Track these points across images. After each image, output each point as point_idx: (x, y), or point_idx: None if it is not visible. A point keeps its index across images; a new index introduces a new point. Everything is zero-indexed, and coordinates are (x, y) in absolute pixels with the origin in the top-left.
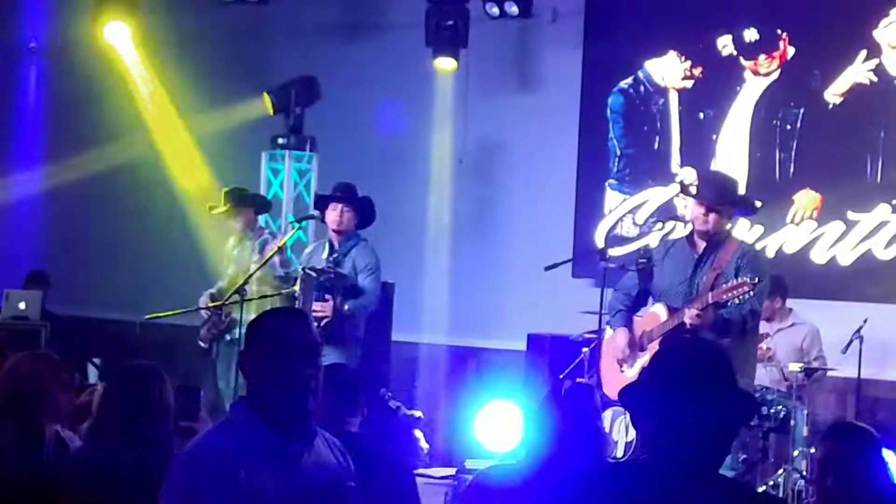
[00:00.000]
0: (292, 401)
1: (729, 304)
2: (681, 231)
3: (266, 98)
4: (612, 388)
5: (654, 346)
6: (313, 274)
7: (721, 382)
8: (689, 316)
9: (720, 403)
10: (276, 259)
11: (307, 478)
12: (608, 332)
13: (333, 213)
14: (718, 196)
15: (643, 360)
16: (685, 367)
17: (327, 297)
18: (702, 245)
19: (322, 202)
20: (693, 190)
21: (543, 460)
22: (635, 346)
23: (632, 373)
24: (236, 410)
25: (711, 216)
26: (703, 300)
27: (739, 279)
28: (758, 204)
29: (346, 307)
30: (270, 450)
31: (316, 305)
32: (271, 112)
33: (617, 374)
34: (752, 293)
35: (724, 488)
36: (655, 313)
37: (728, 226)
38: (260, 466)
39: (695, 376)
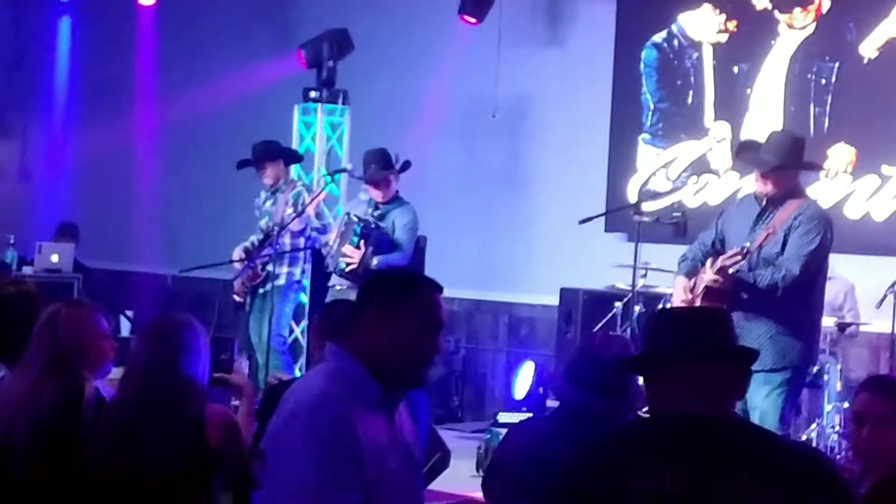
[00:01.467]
0: (422, 366)
1: (767, 261)
2: (714, 185)
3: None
4: None
5: (698, 300)
6: (355, 219)
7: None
8: (708, 277)
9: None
10: (311, 211)
11: (401, 429)
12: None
13: (374, 192)
14: (775, 160)
15: None
16: (674, 338)
17: (361, 244)
18: (764, 202)
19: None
20: (752, 153)
21: (575, 414)
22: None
23: None
24: (339, 359)
25: (769, 182)
26: (717, 264)
27: (735, 248)
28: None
29: (375, 261)
30: (375, 401)
31: (347, 248)
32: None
33: None
34: (744, 262)
35: (742, 435)
36: (706, 267)
37: (791, 185)
38: (371, 417)
39: (684, 344)
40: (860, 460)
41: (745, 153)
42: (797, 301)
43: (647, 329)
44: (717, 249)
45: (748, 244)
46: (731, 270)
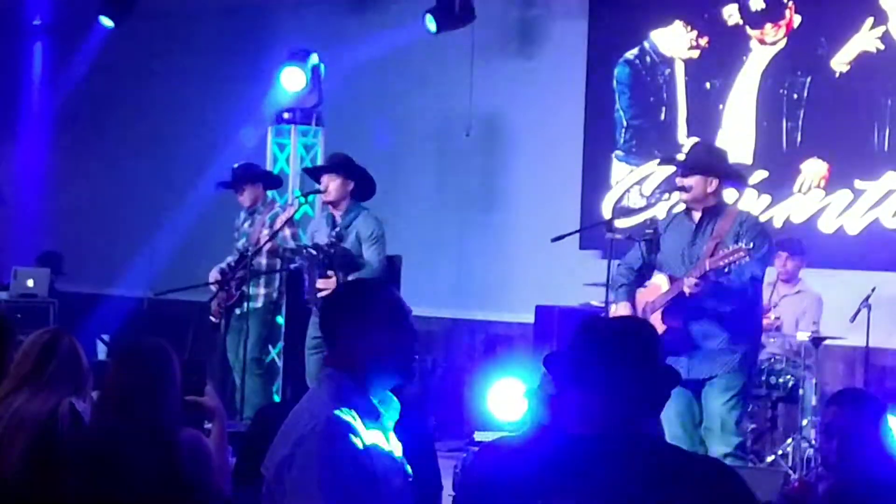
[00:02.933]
0: (410, 357)
1: (728, 271)
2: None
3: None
4: None
5: (657, 317)
6: (314, 252)
7: (637, 357)
8: (688, 285)
9: (636, 379)
10: (288, 232)
11: (395, 447)
12: (612, 307)
13: (322, 186)
14: (694, 162)
15: None
16: (602, 343)
17: (329, 273)
18: (697, 215)
19: (311, 176)
20: (673, 158)
21: (545, 432)
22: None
23: None
24: (336, 381)
25: (689, 179)
26: (700, 268)
27: (738, 244)
28: (763, 173)
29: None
30: (377, 419)
31: (320, 282)
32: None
33: None
34: (747, 258)
35: (654, 453)
36: (657, 284)
37: (710, 190)
38: (374, 436)
39: (611, 351)
40: (831, 473)
41: (667, 164)
42: (747, 309)
43: (572, 340)
44: (642, 273)
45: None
46: (731, 268)
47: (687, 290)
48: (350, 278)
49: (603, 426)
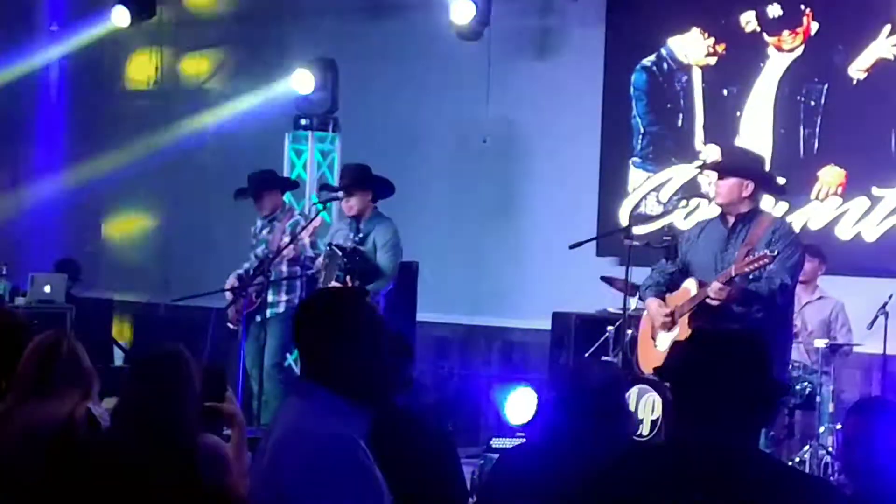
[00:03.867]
0: (390, 369)
1: (755, 277)
2: (705, 208)
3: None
4: (645, 362)
5: (684, 321)
6: (338, 252)
7: (747, 369)
8: (714, 290)
9: (746, 390)
10: (308, 240)
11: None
12: (638, 305)
13: (344, 205)
14: (731, 164)
15: (673, 334)
16: (709, 355)
17: (347, 278)
18: (731, 221)
19: (329, 195)
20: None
21: (566, 440)
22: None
23: (662, 347)
24: (320, 397)
25: (722, 184)
26: (726, 273)
27: (763, 250)
28: (780, 181)
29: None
30: (365, 432)
31: (333, 284)
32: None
33: (649, 349)
34: (773, 265)
35: (756, 467)
36: (687, 288)
37: (744, 194)
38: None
39: (718, 364)
40: (852, 481)
41: (706, 170)
42: (777, 317)
43: (682, 347)
44: (675, 277)
45: (767, 251)
46: (751, 275)
47: (713, 295)
48: (368, 287)
49: (716, 436)
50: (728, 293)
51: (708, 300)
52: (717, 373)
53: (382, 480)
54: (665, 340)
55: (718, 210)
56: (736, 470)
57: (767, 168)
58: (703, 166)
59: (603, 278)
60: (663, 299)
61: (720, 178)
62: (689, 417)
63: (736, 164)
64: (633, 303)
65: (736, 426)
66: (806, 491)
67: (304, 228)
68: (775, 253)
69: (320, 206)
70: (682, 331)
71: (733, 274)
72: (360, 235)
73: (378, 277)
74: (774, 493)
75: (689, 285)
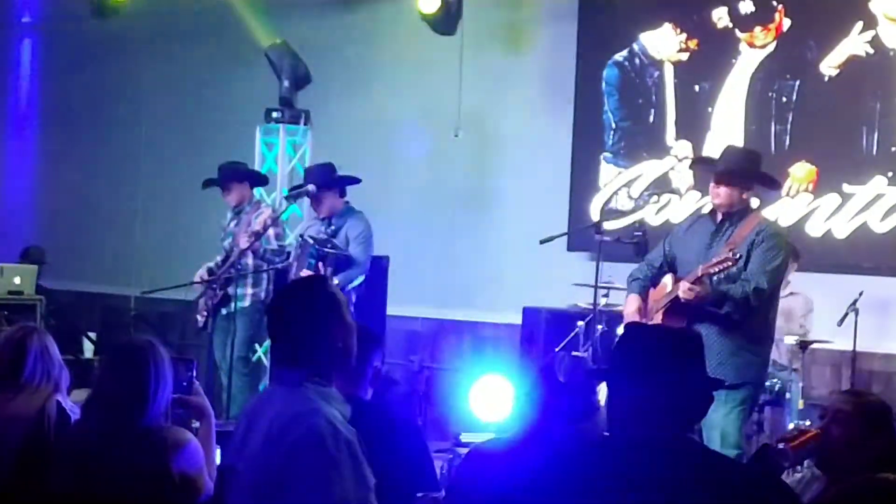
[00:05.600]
0: (353, 352)
1: (731, 277)
2: (676, 204)
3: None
4: None
5: (657, 317)
6: (310, 241)
7: (680, 365)
8: (682, 289)
9: (676, 387)
10: (272, 232)
11: None
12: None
13: (315, 207)
14: (730, 169)
15: None
16: (641, 353)
17: (319, 265)
18: (720, 218)
19: (299, 190)
20: (708, 160)
21: (535, 435)
22: (644, 314)
23: None
24: (305, 382)
25: (722, 189)
26: (694, 273)
27: (728, 252)
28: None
29: (335, 281)
30: (346, 415)
31: (305, 273)
32: None
33: None
34: (751, 267)
35: (693, 459)
36: (664, 283)
37: (744, 197)
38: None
39: (651, 361)
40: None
41: (700, 165)
42: (756, 318)
43: (615, 342)
44: (663, 271)
45: (730, 254)
46: (715, 277)
47: (681, 294)
48: (336, 279)
49: (650, 431)
50: (697, 293)
51: (680, 299)
52: (650, 367)
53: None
54: None
55: (697, 204)
56: (672, 463)
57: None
58: (695, 161)
59: (576, 285)
60: (646, 294)
61: (719, 182)
62: (625, 414)
63: (737, 170)
64: (603, 300)
65: (669, 420)
66: (744, 479)
67: (263, 222)
68: (737, 256)
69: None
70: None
71: (700, 274)
72: (332, 228)
73: (350, 266)
74: (712, 484)
75: (666, 281)
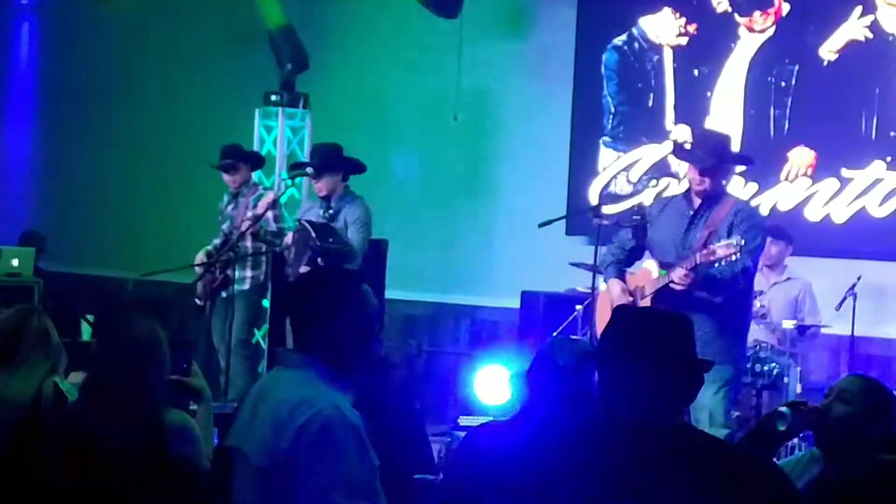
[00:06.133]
0: (370, 351)
1: (718, 263)
2: (675, 188)
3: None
4: None
5: (646, 302)
6: (308, 227)
7: (670, 347)
8: (677, 275)
9: (668, 370)
10: (270, 215)
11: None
12: (602, 285)
13: (314, 185)
14: (713, 158)
15: None
16: (633, 336)
17: (319, 261)
18: (697, 202)
19: (298, 172)
20: (687, 151)
21: (532, 419)
22: (632, 297)
23: None
24: (314, 367)
25: (707, 179)
26: (691, 260)
27: (731, 239)
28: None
29: None
30: (352, 400)
31: (303, 269)
32: None
33: None
34: (739, 254)
35: (682, 441)
36: (648, 269)
37: (724, 182)
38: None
39: (642, 344)
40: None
41: (681, 152)
42: (738, 299)
43: (606, 325)
44: (634, 254)
45: (727, 241)
46: (721, 263)
47: (676, 280)
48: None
49: (642, 414)
50: (691, 279)
51: (672, 285)
52: (640, 350)
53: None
54: None
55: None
56: (664, 447)
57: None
58: (675, 153)
59: (573, 264)
60: (624, 278)
61: (703, 174)
62: (615, 396)
63: (715, 158)
64: (602, 283)
65: (660, 404)
66: (734, 463)
67: (263, 205)
68: (742, 243)
69: (289, 182)
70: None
71: (697, 262)
72: (331, 212)
73: (349, 259)
74: (701, 466)
75: (651, 266)
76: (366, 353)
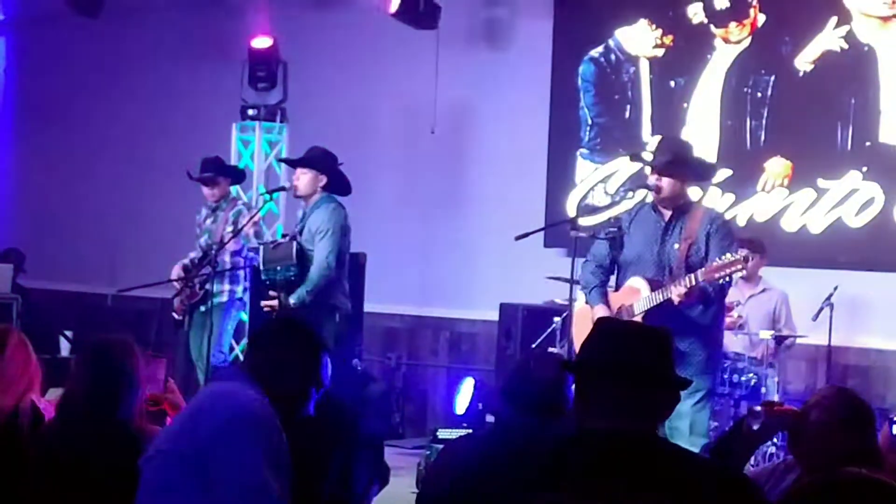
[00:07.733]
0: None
1: (723, 279)
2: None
3: None
4: None
5: (637, 321)
6: (258, 262)
7: (645, 367)
8: (677, 294)
9: (647, 383)
10: (251, 230)
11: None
12: (580, 299)
13: (294, 181)
14: (668, 160)
15: None
16: (614, 348)
17: (272, 293)
18: (667, 213)
19: (276, 187)
20: (647, 157)
21: (510, 432)
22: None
23: None
24: (246, 380)
25: (664, 180)
26: (689, 279)
27: (727, 254)
28: (727, 172)
29: (292, 301)
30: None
31: (263, 303)
32: None
33: None
34: (743, 271)
35: (659, 454)
36: (635, 288)
37: (687, 190)
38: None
39: (623, 357)
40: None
41: (637, 156)
42: (715, 310)
43: (587, 336)
44: (611, 270)
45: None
46: (723, 281)
47: (676, 299)
48: (291, 299)
49: (619, 425)
50: (689, 297)
51: (670, 302)
52: (618, 365)
53: (285, 460)
54: None
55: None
56: (640, 458)
57: (709, 159)
58: (633, 158)
59: (550, 278)
60: (607, 301)
61: (659, 175)
62: (594, 408)
63: (671, 162)
64: (581, 296)
65: (640, 416)
66: (709, 477)
67: (250, 219)
68: (747, 257)
69: (267, 197)
70: None
71: (701, 280)
72: (301, 225)
73: (302, 281)
74: (678, 480)
75: (638, 284)
76: (297, 406)
